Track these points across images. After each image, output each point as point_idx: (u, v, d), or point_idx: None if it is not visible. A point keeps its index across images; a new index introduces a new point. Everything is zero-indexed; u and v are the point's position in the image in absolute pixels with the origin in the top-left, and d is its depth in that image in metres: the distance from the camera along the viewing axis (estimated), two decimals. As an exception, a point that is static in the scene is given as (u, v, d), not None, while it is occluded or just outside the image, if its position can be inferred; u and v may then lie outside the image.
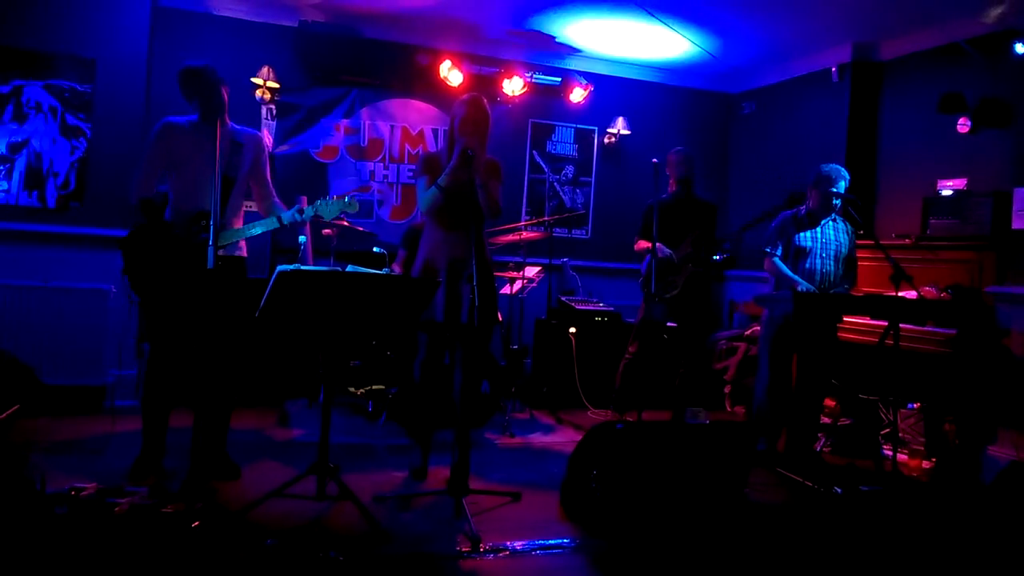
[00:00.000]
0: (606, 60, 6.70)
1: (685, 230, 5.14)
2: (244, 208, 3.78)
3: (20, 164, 4.94)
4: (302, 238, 5.04)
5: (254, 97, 5.66)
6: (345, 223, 4.87)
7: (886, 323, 3.94)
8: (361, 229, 5.33)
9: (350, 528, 3.12)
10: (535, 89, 6.41)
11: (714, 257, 5.22)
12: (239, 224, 3.67)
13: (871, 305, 4.24)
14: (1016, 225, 4.55)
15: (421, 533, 3.18)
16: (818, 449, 4.70)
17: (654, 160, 4.68)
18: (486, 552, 3.02)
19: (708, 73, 6.94)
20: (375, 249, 5.54)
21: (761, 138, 6.86)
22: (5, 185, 4.91)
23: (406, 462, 4.05)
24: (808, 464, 4.29)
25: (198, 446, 3.42)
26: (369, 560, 2.88)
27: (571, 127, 6.79)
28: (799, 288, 4.31)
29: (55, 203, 5.00)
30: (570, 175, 6.81)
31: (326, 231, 4.91)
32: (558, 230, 6.52)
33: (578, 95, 6.49)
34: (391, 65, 6.12)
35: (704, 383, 5.77)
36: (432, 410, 3.88)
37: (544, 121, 6.70)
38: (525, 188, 6.67)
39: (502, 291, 5.21)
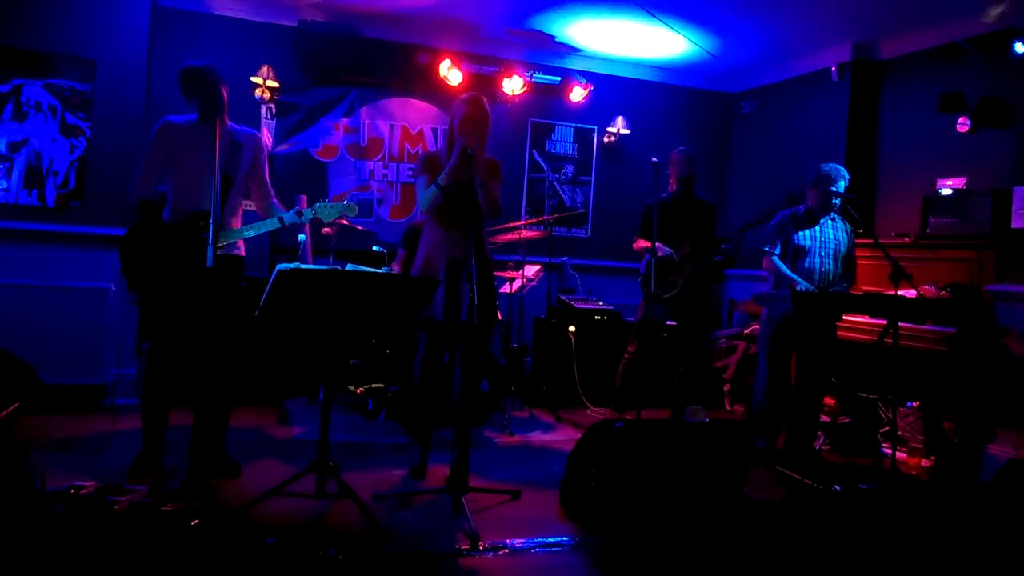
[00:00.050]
0: (606, 59, 6.70)
1: (685, 230, 5.14)
2: (242, 207, 3.78)
3: (20, 163, 4.94)
4: (301, 237, 5.04)
5: (254, 96, 5.66)
6: (345, 222, 4.86)
7: (885, 322, 3.94)
8: (361, 228, 5.34)
9: (350, 526, 3.12)
10: (535, 88, 6.42)
11: (715, 257, 5.22)
12: (237, 224, 3.67)
13: (870, 304, 4.24)
14: (1016, 224, 4.55)
15: (421, 531, 3.18)
16: (817, 447, 4.71)
17: (654, 159, 4.68)
18: (485, 550, 3.02)
19: (708, 72, 6.94)
20: (375, 248, 5.55)
21: (761, 137, 6.86)
22: (4, 184, 4.91)
23: (406, 460, 4.05)
24: (807, 462, 4.30)
25: (198, 444, 3.44)
26: (369, 558, 2.88)
27: (571, 126, 6.79)
28: (798, 287, 4.31)
29: (55, 202, 5.00)
30: (570, 174, 6.81)
31: (325, 230, 4.91)
32: (558, 229, 6.52)
33: (578, 94, 6.49)
34: (391, 64, 6.12)
35: (703, 382, 5.77)
36: (432, 408, 3.88)
37: (544, 120, 6.71)
38: (525, 187, 6.67)
39: (502, 290, 5.21)
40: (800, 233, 4.46)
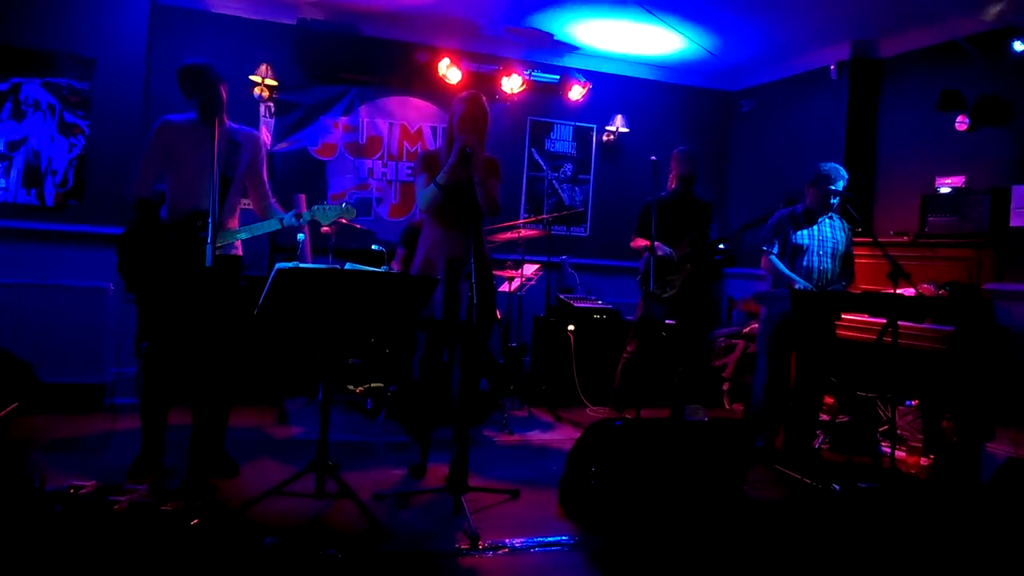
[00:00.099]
0: (605, 58, 6.70)
1: (684, 229, 5.14)
2: (240, 207, 3.78)
3: (18, 162, 4.94)
4: (300, 236, 5.04)
5: (252, 95, 5.65)
6: (344, 221, 4.86)
7: (884, 320, 3.95)
8: (360, 227, 5.34)
9: (349, 526, 3.12)
10: (534, 87, 6.41)
11: (714, 257, 5.22)
12: (234, 224, 3.67)
13: (869, 302, 4.24)
14: (1014, 222, 4.55)
15: (420, 531, 3.18)
16: (816, 446, 4.71)
17: (653, 158, 4.67)
18: (485, 549, 3.02)
19: (707, 71, 6.94)
20: (374, 247, 5.54)
21: (760, 136, 6.86)
22: (3, 183, 4.91)
23: (405, 460, 4.05)
24: (806, 461, 4.30)
25: (197, 444, 3.44)
26: (368, 558, 2.88)
27: (570, 125, 6.79)
28: (797, 286, 4.31)
29: (53, 201, 4.99)
30: (569, 173, 6.81)
31: (324, 229, 4.89)
32: (557, 228, 6.52)
33: (577, 93, 6.49)
34: (390, 63, 6.12)
35: (702, 381, 5.77)
36: (431, 408, 3.88)
37: (543, 119, 6.70)
38: (524, 186, 6.67)
39: (501, 289, 5.21)
40: (798, 232, 4.46)
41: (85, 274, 4.95)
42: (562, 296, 6.16)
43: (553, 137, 6.75)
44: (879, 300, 4.15)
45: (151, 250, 3.46)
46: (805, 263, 4.44)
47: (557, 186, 6.76)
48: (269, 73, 5.64)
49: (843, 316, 4.59)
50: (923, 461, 4.54)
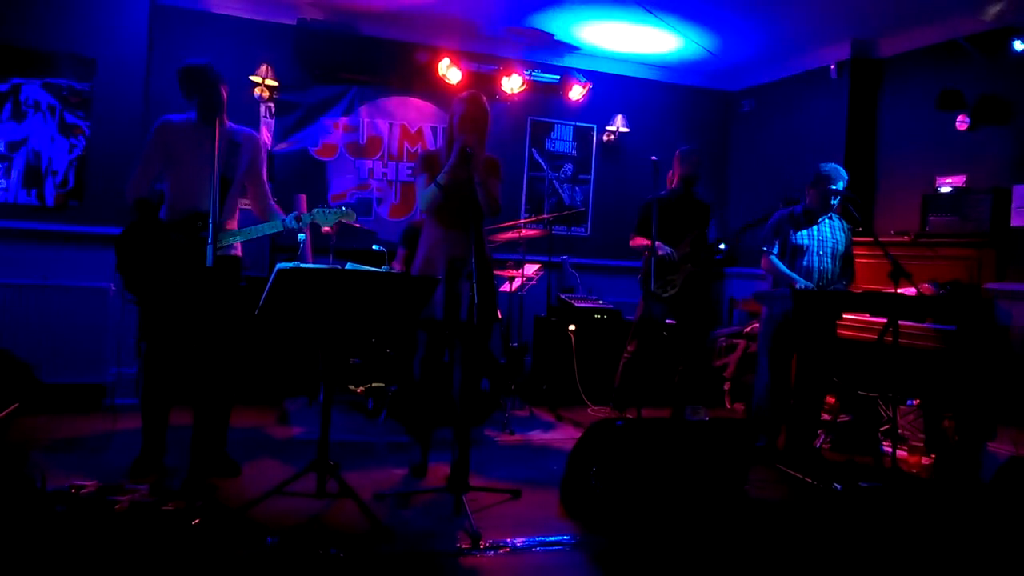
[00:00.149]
0: (605, 58, 6.70)
1: (685, 229, 5.14)
2: (239, 208, 3.78)
3: (19, 162, 4.94)
4: (301, 236, 5.04)
5: (253, 95, 5.65)
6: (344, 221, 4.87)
7: (885, 320, 3.95)
8: (360, 227, 5.33)
9: (350, 525, 3.12)
10: (534, 87, 6.41)
11: (715, 257, 5.22)
12: (234, 225, 3.66)
13: (870, 302, 4.24)
14: (1015, 222, 4.55)
15: (421, 530, 3.18)
16: (818, 446, 4.71)
17: (653, 158, 4.67)
18: (486, 549, 3.02)
19: (707, 71, 6.94)
20: (374, 247, 5.54)
21: (760, 136, 6.85)
22: (4, 183, 4.91)
23: (406, 460, 4.05)
24: (808, 461, 4.30)
25: (198, 444, 3.43)
26: (369, 557, 2.88)
27: (570, 125, 6.79)
28: (798, 285, 4.31)
29: (54, 201, 4.99)
30: (569, 173, 6.81)
31: (325, 229, 4.87)
32: (557, 228, 6.52)
33: (577, 93, 6.49)
34: (390, 63, 6.12)
35: (704, 380, 5.77)
36: (432, 408, 3.88)
37: (543, 119, 6.70)
38: (524, 186, 6.67)
39: (502, 289, 5.21)
40: (798, 232, 4.46)
41: (86, 274, 4.95)
42: (563, 296, 6.16)
43: (553, 137, 6.75)
44: (880, 300, 4.15)
45: (150, 250, 3.45)
46: (805, 263, 4.44)
47: (558, 186, 6.76)
48: (269, 73, 5.64)
49: (844, 316, 4.59)
50: (924, 460, 4.54)
